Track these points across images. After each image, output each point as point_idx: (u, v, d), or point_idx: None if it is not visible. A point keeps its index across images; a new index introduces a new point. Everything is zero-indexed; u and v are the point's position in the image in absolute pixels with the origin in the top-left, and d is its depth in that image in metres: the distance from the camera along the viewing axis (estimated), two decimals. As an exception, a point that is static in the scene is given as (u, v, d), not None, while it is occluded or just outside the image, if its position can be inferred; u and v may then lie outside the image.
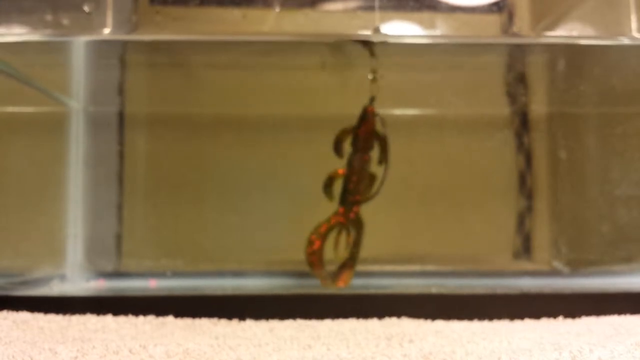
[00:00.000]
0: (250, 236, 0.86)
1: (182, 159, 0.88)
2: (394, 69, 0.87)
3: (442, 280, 0.83)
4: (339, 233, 0.75)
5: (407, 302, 0.65)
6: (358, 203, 0.74)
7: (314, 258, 0.74)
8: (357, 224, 0.75)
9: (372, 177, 0.75)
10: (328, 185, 0.75)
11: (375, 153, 0.75)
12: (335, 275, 0.74)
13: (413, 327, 0.59)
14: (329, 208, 0.75)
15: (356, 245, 0.75)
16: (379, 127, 0.75)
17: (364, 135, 0.74)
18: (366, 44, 0.74)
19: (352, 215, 0.74)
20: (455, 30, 0.71)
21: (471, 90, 0.89)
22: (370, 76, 0.75)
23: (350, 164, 0.74)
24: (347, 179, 0.74)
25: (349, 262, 0.74)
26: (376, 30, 0.71)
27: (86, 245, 0.84)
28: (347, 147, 0.75)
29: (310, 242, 0.74)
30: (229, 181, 0.87)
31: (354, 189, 0.74)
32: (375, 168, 0.75)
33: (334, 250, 0.75)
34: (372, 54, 0.75)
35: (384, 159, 0.74)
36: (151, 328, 0.59)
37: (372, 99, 0.75)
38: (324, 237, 0.74)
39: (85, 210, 0.85)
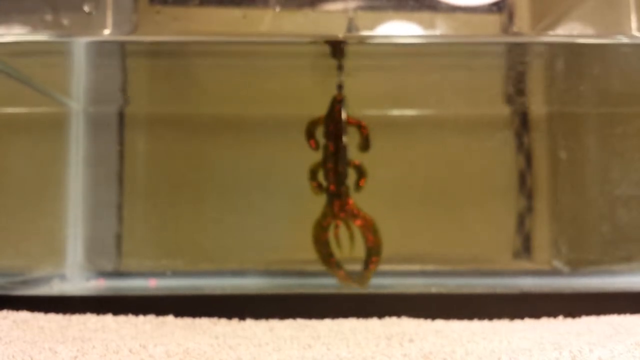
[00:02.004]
0: (250, 236, 0.86)
1: (182, 159, 0.88)
2: (393, 69, 0.87)
3: (442, 280, 0.83)
4: (336, 228, 0.74)
5: (407, 301, 0.65)
6: (339, 195, 0.73)
7: (322, 255, 0.73)
8: (364, 224, 0.73)
9: (359, 169, 0.74)
10: (312, 178, 0.74)
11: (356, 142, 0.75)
12: (359, 275, 0.73)
13: (413, 326, 0.59)
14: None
15: (371, 244, 0.73)
16: (350, 115, 0.74)
17: (332, 123, 0.74)
18: (334, 44, 0.74)
19: (347, 209, 0.73)
20: (455, 30, 0.71)
21: (471, 90, 0.89)
22: (338, 80, 0.75)
23: (324, 154, 0.74)
24: (324, 170, 0.73)
25: (367, 261, 0.73)
26: (350, 29, 0.71)
27: (86, 245, 0.84)
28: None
29: (316, 242, 0.73)
30: (229, 181, 0.87)
31: (333, 179, 0.73)
32: (364, 159, 0.74)
33: (337, 246, 0.74)
34: (340, 53, 0.75)
35: (365, 145, 0.74)
36: (151, 328, 0.59)
37: (340, 87, 0.75)
38: (324, 237, 0.73)
39: (85, 210, 0.85)
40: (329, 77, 0.83)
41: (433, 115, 0.89)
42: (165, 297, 0.68)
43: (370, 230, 0.73)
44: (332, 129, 0.74)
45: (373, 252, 0.73)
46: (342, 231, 0.74)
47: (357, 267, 0.74)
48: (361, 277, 0.73)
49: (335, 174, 0.73)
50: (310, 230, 0.74)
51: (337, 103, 0.74)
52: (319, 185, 0.74)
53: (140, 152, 0.87)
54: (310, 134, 0.75)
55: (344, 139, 0.73)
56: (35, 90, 0.83)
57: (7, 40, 0.71)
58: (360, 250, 0.74)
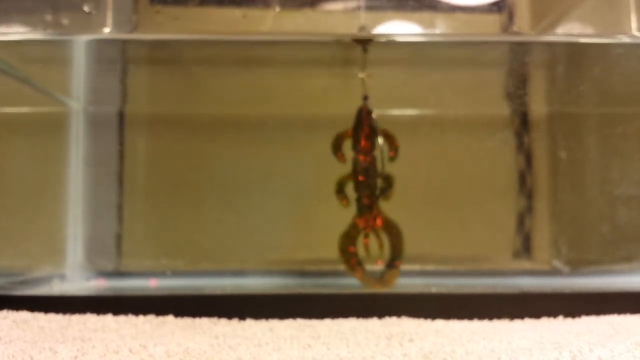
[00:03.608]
0: (250, 236, 0.86)
1: (182, 159, 0.88)
2: (394, 69, 0.87)
3: (442, 280, 0.83)
4: (366, 237, 0.74)
5: (407, 301, 0.65)
6: (371, 206, 0.73)
7: (352, 262, 0.73)
8: (390, 229, 0.73)
9: (388, 178, 0.74)
10: (339, 190, 0.74)
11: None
12: (380, 276, 0.74)
13: (413, 326, 0.59)
14: (329, 208, 0.75)
15: (395, 248, 0.73)
16: (378, 125, 0.74)
17: (362, 135, 0.73)
18: (363, 43, 0.74)
19: (378, 221, 0.73)
20: (455, 30, 0.71)
21: (471, 90, 0.89)
22: (361, 75, 0.75)
23: (354, 167, 0.74)
24: (355, 182, 0.73)
25: (391, 264, 0.73)
26: (362, 29, 0.71)
27: (86, 245, 0.84)
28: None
29: (343, 252, 0.73)
30: (229, 181, 0.87)
31: (365, 191, 0.73)
32: (391, 167, 0.74)
33: (365, 254, 0.74)
34: (365, 52, 0.74)
35: (393, 155, 0.74)
36: (151, 327, 0.59)
37: (366, 98, 0.74)
38: (352, 248, 0.73)
39: (85, 210, 0.85)
40: (327, 76, 0.83)
41: (433, 115, 0.89)
42: (165, 297, 0.68)
43: (397, 235, 0.73)
44: (361, 142, 0.73)
45: (397, 256, 0.73)
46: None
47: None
48: (385, 280, 0.73)
49: (368, 187, 0.73)
50: (316, 231, 0.74)
51: (365, 114, 0.74)
52: (346, 198, 0.74)
53: (140, 152, 0.87)
54: (337, 147, 0.74)
55: (376, 152, 0.73)
56: (36, 90, 0.83)
57: (8, 39, 0.71)
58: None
